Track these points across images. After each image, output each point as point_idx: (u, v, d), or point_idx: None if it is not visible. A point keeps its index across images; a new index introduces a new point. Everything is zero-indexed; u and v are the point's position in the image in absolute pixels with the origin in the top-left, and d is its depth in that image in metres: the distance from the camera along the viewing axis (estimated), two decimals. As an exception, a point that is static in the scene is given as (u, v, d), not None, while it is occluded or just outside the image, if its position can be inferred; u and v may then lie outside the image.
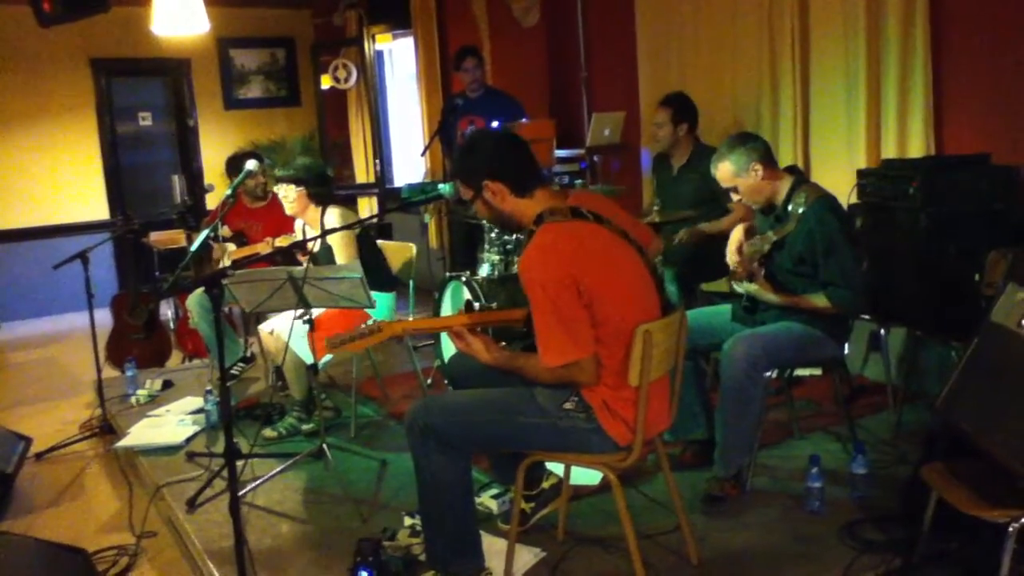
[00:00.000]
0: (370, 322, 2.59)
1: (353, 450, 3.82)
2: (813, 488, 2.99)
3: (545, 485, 3.03)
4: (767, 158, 3.18)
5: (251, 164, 4.26)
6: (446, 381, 4.32)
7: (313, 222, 4.10)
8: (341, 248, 3.93)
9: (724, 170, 3.21)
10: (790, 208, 3.14)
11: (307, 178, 4.02)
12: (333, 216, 4.03)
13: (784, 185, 3.19)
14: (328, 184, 4.11)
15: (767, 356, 3.03)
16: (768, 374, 3.11)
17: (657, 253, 2.81)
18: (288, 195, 4.03)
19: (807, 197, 3.11)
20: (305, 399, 4.05)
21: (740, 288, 3.24)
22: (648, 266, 2.53)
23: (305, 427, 4.04)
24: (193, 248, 3.88)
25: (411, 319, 2.66)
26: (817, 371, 3.41)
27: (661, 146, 4.45)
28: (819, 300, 3.07)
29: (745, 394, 3.01)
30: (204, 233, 3.92)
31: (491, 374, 2.60)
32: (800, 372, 3.59)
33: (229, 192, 4.06)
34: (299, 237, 4.20)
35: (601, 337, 2.36)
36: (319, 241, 4.00)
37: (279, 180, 4.05)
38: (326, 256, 4.02)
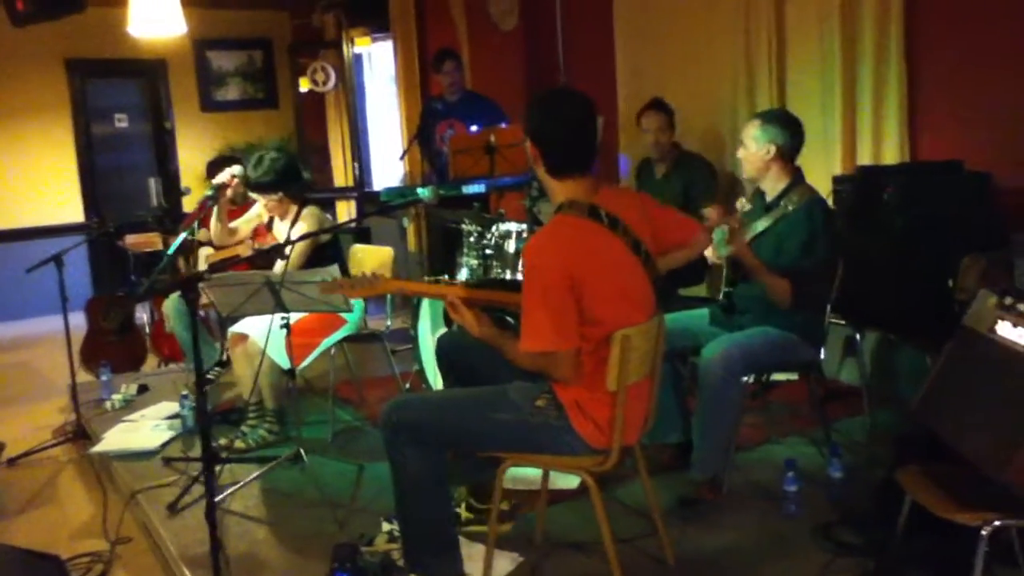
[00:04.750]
0: (370, 273, 2.67)
1: (330, 454, 3.80)
2: (789, 491, 3.01)
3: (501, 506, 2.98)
4: (788, 150, 3.21)
5: (224, 176, 4.14)
6: (424, 386, 4.32)
7: (289, 217, 4.04)
8: (297, 253, 3.83)
9: (752, 126, 3.24)
10: (781, 203, 3.18)
11: (280, 181, 3.97)
12: (303, 225, 3.88)
13: (783, 181, 3.23)
14: (301, 178, 4.07)
15: (744, 361, 3.05)
16: (745, 379, 3.13)
17: (702, 247, 2.86)
18: (269, 205, 4.03)
19: (800, 197, 3.16)
20: (279, 408, 3.99)
21: (721, 250, 3.12)
22: (652, 277, 2.52)
23: (274, 438, 3.94)
24: (170, 251, 3.85)
25: (407, 282, 2.76)
26: (793, 375, 3.44)
27: (660, 151, 4.38)
28: (782, 282, 3.06)
29: (722, 398, 3.03)
30: (181, 236, 3.88)
31: (479, 353, 2.61)
32: (776, 376, 3.61)
33: (210, 193, 4.01)
34: (279, 238, 4.16)
35: (589, 336, 2.38)
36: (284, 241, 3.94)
37: (256, 189, 3.98)
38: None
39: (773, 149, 3.19)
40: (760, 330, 3.16)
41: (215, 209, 4.05)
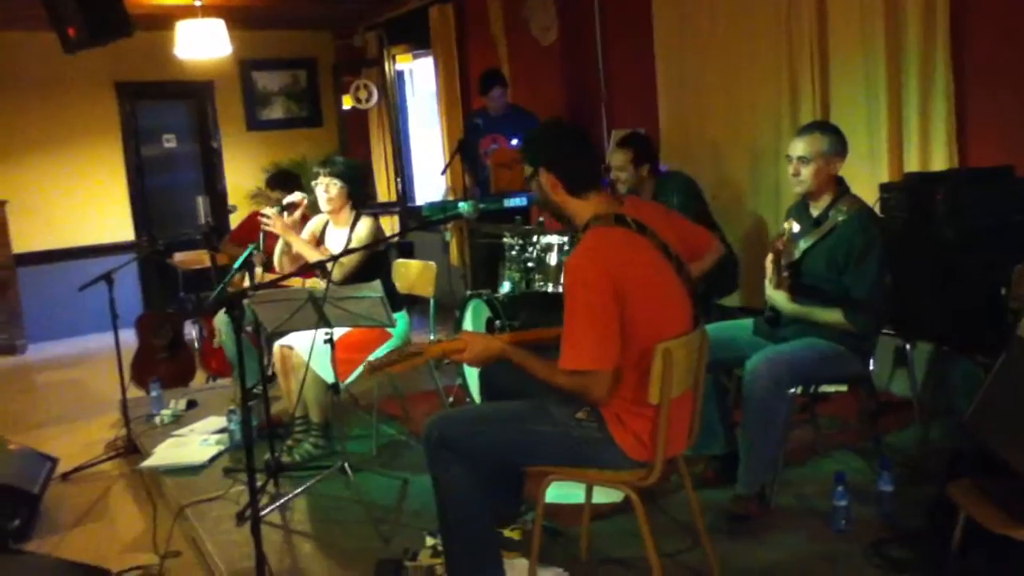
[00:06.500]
0: (411, 345, 2.58)
1: (374, 469, 3.82)
2: (839, 506, 2.95)
3: (507, 532, 2.93)
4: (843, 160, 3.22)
5: (293, 196, 4.22)
6: (468, 399, 4.33)
7: (342, 224, 4.10)
8: (354, 257, 3.85)
9: (819, 142, 3.15)
10: (830, 215, 3.15)
11: (352, 176, 4.03)
12: (364, 228, 4.01)
13: (831, 194, 3.20)
14: (368, 188, 4.12)
15: (791, 373, 3.01)
16: (792, 391, 3.08)
17: (716, 256, 2.90)
18: (330, 190, 4.00)
19: (848, 207, 3.13)
20: (324, 422, 4.02)
21: (770, 294, 3.21)
22: (685, 281, 2.52)
23: (321, 452, 3.97)
24: (236, 265, 3.90)
25: (446, 344, 2.59)
26: (842, 387, 3.38)
27: (624, 188, 4.26)
28: (834, 316, 3.05)
29: (769, 412, 2.98)
30: (248, 250, 3.91)
31: (523, 380, 2.60)
32: (825, 388, 3.56)
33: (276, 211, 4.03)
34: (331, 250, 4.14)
35: (631, 348, 2.35)
36: (343, 249, 3.94)
37: (322, 172, 4.00)
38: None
39: (839, 165, 3.17)
40: (807, 341, 3.11)
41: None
